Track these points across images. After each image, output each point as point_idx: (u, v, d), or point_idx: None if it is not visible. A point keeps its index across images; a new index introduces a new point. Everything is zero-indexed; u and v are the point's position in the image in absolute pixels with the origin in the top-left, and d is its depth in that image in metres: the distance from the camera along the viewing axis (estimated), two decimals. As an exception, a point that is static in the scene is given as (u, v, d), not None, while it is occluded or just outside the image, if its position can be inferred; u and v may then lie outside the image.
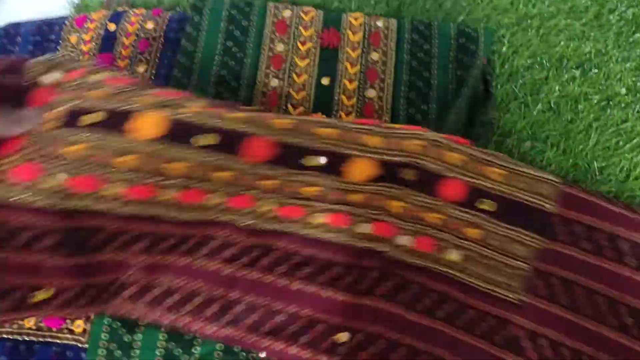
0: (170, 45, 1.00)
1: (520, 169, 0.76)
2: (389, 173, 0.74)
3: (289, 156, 0.73)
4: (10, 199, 0.69)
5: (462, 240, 0.74)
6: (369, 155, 0.74)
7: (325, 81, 0.93)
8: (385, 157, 0.74)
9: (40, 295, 0.69)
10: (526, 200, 0.75)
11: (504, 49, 0.99)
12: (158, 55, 0.99)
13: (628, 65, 0.97)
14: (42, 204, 0.69)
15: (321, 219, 0.73)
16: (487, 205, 0.74)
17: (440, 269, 0.74)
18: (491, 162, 0.76)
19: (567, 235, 0.75)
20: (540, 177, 0.76)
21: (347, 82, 0.93)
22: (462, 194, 0.75)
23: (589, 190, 0.80)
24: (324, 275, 0.72)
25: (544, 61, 0.98)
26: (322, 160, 0.74)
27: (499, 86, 0.97)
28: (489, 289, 0.73)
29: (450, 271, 0.74)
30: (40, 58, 0.80)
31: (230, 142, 0.72)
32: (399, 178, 0.74)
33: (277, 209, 0.73)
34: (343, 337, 0.70)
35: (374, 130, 0.76)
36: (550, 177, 0.76)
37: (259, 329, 0.71)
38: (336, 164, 0.74)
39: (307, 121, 0.76)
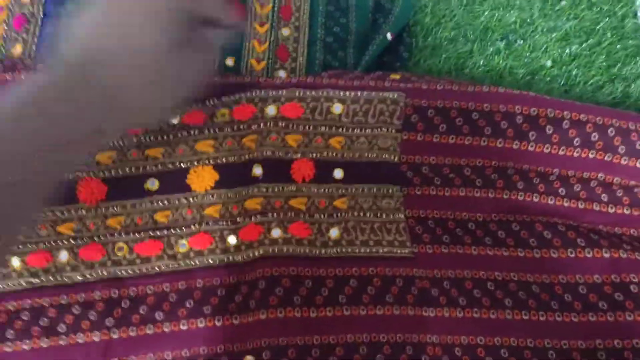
0: (51, 22, 0.86)
1: (361, 119, 0.74)
2: (233, 175, 0.70)
3: (125, 187, 0.68)
4: None
5: (335, 215, 0.71)
6: (207, 162, 0.70)
7: (229, 62, 0.83)
8: (224, 161, 0.70)
9: None
10: (372, 158, 0.74)
11: (427, 19, 0.92)
12: (37, 33, 0.86)
13: (554, 35, 0.92)
14: None
15: (184, 247, 0.68)
16: (339, 173, 0.73)
17: (326, 250, 0.69)
18: (329, 132, 0.73)
19: (420, 178, 0.74)
20: (380, 130, 0.74)
21: (254, 63, 0.83)
22: (312, 171, 0.72)
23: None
24: (207, 305, 0.65)
25: (469, 33, 0.92)
26: (152, 184, 0.69)
27: (422, 61, 0.91)
28: (384, 253, 0.70)
29: (337, 249, 0.70)
30: None
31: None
32: (246, 177, 0.70)
33: (135, 248, 0.67)
34: None
35: (204, 134, 0.71)
36: (391, 103, 0.75)
37: None
38: (177, 180, 0.69)
39: (132, 144, 0.70)
